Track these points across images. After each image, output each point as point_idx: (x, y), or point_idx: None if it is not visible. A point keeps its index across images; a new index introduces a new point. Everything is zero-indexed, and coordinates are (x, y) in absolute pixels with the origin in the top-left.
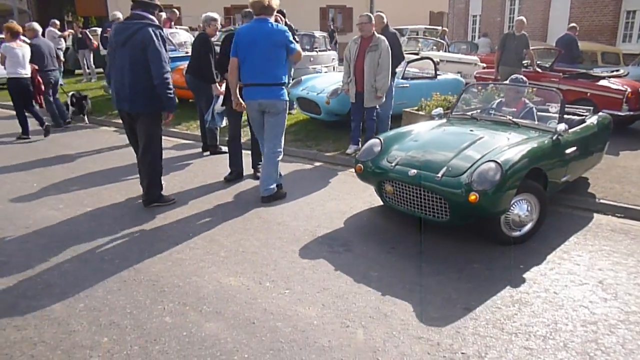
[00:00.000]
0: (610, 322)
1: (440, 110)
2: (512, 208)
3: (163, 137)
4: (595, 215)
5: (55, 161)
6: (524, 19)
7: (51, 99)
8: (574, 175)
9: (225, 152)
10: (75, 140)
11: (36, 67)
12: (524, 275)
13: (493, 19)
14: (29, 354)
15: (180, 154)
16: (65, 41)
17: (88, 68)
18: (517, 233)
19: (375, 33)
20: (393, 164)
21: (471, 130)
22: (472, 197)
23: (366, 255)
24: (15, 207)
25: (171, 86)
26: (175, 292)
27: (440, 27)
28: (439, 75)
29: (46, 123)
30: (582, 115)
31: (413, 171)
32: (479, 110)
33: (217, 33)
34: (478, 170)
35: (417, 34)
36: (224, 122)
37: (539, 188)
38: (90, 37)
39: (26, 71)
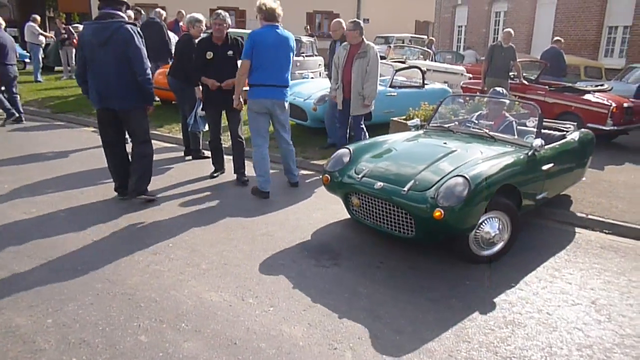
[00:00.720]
0: (606, 345)
1: (417, 121)
2: (482, 226)
3: None
4: (583, 230)
5: (30, 159)
6: (512, 31)
7: (12, 91)
8: (552, 192)
9: (207, 157)
10: (53, 139)
11: None
12: (517, 294)
13: (478, 30)
14: None
15: (161, 157)
16: (46, 39)
17: (69, 65)
18: (486, 252)
19: (365, 40)
20: (360, 176)
21: (445, 143)
22: (437, 213)
23: (355, 270)
24: None
25: (152, 81)
26: (152, 308)
27: (426, 36)
28: (426, 84)
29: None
30: (564, 131)
31: (379, 184)
32: (457, 123)
33: (202, 34)
34: (445, 185)
35: (403, 42)
36: (206, 127)
37: (511, 206)
38: (74, 33)
39: None
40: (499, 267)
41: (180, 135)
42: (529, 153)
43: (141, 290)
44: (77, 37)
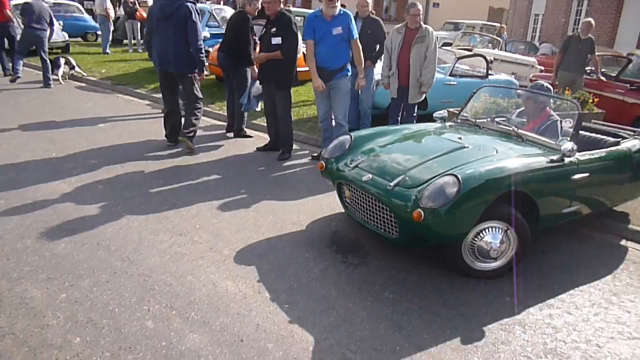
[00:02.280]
0: None
1: (443, 112)
2: (481, 234)
3: None
4: None
5: (80, 129)
6: (592, 21)
7: (41, 55)
8: (588, 207)
9: (250, 137)
10: (107, 109)
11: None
12: (563, 319)
13: (557, 20)
14: None
15: (207, 134)
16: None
17: (134, 39)
18: (482, 266)
19: (423, 24)
20: (352, 166)
21: (459, 138)
22: (416, 214)
23: (383, 271)
24: (29, 177)
25: (203, 52)
26: (164, 292)
27: (499, 24)
28: (491, 75)
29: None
30: (623, 137)
31: (368, 176)
32: (489, 118)
33: None
34: (433, 184)
35: (474, 29)
36: (259, 106)
37: (519, 218)
38: (139, 8)
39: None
40: (545, 284)
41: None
42: (556, 158)
43: (158, 272)
44: (141, 11)
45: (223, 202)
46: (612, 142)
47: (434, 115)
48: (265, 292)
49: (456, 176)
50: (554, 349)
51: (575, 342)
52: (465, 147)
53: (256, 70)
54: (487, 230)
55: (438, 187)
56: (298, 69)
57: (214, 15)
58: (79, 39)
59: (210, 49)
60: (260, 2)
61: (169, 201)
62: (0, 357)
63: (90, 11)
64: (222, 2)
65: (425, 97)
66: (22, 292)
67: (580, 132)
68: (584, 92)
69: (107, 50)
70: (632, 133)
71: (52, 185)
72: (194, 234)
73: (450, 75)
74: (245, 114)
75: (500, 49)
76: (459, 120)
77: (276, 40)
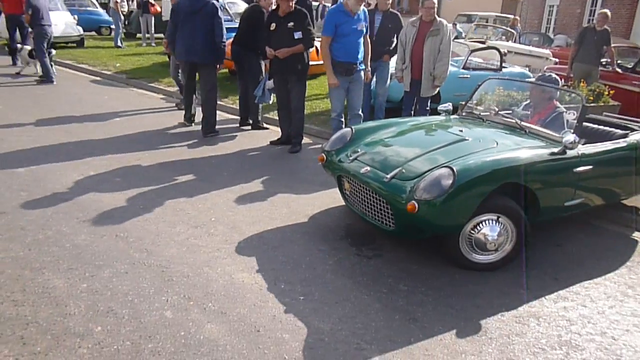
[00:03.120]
0: None
1: (448, 105)
2: (480, 226)
3: None
4: None
5: (97, 122)
6: (608, 12)
7: (46, 53)
8: (592, 200)
9: (266, 128)
10: (122, 103)
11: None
12: (578, 311)
13: (572, 11)
14: (18, 335)
15: (220, 127)
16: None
17: (148, 33)
18: (479, 258)
19: (437, 17)
20: (352, 158)
21: (460, 131)
22: (410, 206)
23: (397, 263)
24: (48, 169)
25: (225, 46)
26: (182, 283)
27: (512, 16)
28: (505, 67)
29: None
30: (631, 130)
31: (366, 168)
32: (494, 110)
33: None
34: (429, 176)
35: (487, 21)
36: (272, 99)
37: (516, 211)
38: (154, 2)
39: None
40: (559, 276)
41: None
42: (558, 150)
43: (175, 263)
44: (156, 6)
45: (238, 194)
46: (620, 134)
47: (439, 108)
48: (281, 283)
49: (451, 168)
50: (569, 341)
51: (590, 335)
52: (465, 139)
53: (267, 64)
54: (485, 222)
55: (433, 179)
56: (310, 63)
57: (226, 10)
58: (93, 33)
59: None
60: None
61: (184, 193)
62: (25, 344)
63: (104, 5)
64: None
65: (439, 90)
66: (44, 282)
67: (589, 124)
68: (599, 84)
69: (119, 44)
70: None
71: (71, 177)
72: (210, 226)
73: (463, 68)
74: (260, 106)
75: (514, 41)
76: (464, 114)
77: (298, 35)
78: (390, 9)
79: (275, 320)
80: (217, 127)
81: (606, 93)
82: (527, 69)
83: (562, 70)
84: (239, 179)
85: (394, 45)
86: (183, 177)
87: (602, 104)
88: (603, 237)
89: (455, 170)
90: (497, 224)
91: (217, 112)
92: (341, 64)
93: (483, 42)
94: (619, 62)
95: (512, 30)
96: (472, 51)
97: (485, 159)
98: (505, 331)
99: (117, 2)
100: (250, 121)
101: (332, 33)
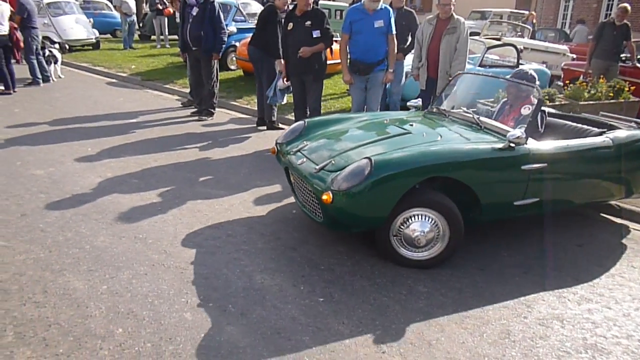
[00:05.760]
0: None
1: (418, 101)
2: (409, 221)
3: (222, 110)
4: None
5: (114, 124)
6: (628, 6)
7: (35, 57)
8: (552, 201)
9: (282, 129)
10: (137, 105)
11: (15, 25)
12: (603, 313)
13: (588, 5)
14: (40, 336)
15: (235, 127)
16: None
17: (162, 34)
18: (411, 254)
19: (454, 15)
20: (295, 150)
21: (410, 125)
22: (325, 196)
23: None
24: (67, 171)
25: (225, 38)
26: (201, 285)
27: (527, 11)
28: (521, 64)
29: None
30: (611, 128)
31: (302, 159)
32: (464, 107)
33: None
34: (350, 167)
35: (501, 18)
36: (285, 99)
37: (448, 207)
38: (166, 3)
39: (5, 28)
40: (582, 277)
41: (256, 107)
42: (501, 146)
43: (194, 265)
44: (169, 8)
45: (254, 195)
46: (596, 132)
47: (408, 104)
48: (300, 285)
49: (369, 159)
50: (594, 345)
51: (616, 338)
52: (407, 133)
53: (281, 64)
54: (415, 217)
55: (351, 170)
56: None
57: (240, 10)
58: (109, 35)
59: (237, 44)
60: None
61: (201, 194)
62: (48, 346)
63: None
64: None
65: None
66: (65, 284)
67: (568, 122)
68: (619, 80)
69: (127, 46)
70: (630, 125)
71: (89, 179)
72: (228, 228)
73: (479, 65)
74: (275, 106)
75: (530, 38)
76: (434, 109)
77: (317, 34)
78: (405, 7)
79: (296, 322)
80: (232, 126)
81: (626, 89)
82: (544, 65)
83: (580, 66)
84: (255, 180)
85: (408, 43)
86: (200, 178)
87: (622, 100)
88: (625, 238)
89: (372, 162)
90: (427, 219)
91: (231, 112)
92: (356, 62)
93: (498, 39)
94: (639, 57)
95: (528, 27)
96: (489, 48)
97: (412, 152)
98: (529, 334)
99: (116, 5)
100: (267, 121)
101: (348, 30)
